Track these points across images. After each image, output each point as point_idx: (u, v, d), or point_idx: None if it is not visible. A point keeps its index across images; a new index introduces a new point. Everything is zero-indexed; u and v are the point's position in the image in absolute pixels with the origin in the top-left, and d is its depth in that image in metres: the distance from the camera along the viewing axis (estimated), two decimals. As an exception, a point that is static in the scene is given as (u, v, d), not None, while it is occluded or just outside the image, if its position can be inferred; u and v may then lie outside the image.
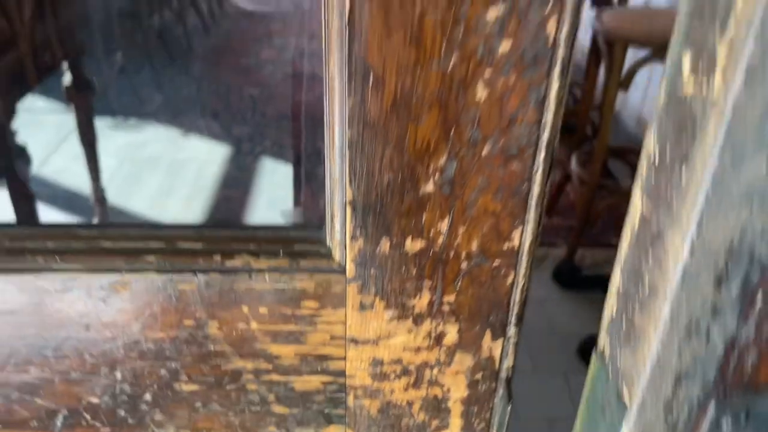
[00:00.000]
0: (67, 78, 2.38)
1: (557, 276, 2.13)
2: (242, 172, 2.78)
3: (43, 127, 2.97)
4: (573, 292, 2.08)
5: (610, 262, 1.78)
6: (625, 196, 2.17)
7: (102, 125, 3.02)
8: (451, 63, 0.35)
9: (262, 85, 3.29)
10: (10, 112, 1.95)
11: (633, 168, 2.37)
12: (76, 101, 2.51)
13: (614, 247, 1.58)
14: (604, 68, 1.95)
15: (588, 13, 2.63)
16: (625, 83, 1.90)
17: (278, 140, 2.84)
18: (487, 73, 0.35)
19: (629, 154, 2.41)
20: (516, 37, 0.34)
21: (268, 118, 2.91)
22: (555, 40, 0.35)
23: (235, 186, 2.69)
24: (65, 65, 2.41)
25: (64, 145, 2.99)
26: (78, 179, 2.58)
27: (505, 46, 0.35)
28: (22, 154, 2.02)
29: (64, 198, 2.57)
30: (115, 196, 2.54)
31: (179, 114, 3.18)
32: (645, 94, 2.64)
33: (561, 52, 0.35)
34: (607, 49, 1.90)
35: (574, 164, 2.20)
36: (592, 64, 2.15)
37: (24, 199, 2.00)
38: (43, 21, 2.39)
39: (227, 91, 3.26)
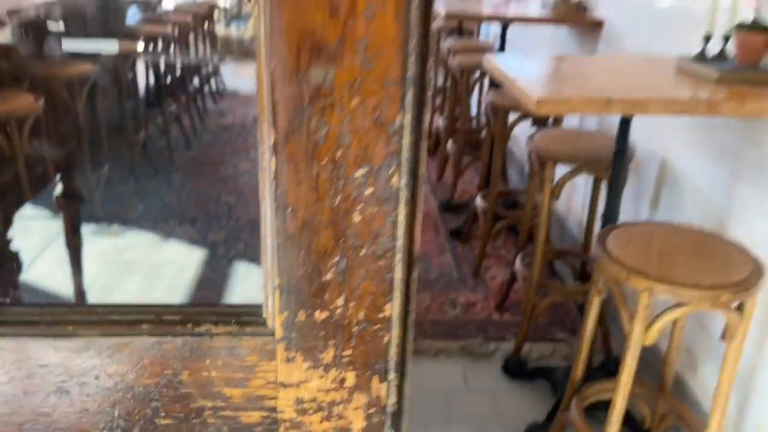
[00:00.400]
0: (58, 188, 2.61)
1: (506, 368, 2.31)
2: (217, 274, 2.97)
3: (31, 233, 3.15)
4: (520, 382, 2.25)
5: (555, 354, 2.07)
6: (566, 294, 2.39)
7: (86, 231, 3.20)
8: (337, 200, 0.58)
9: (238, 194, 3.55)
10: (8, 222, 2.15)
11: (574, 269, 2.61)
12: (65, 209, 2.72)
13: (558, 341, 1.88)
14: (538, 182, 2.23)
15: (530, 130, 2.96)
16: (556, 193, 2.18)
17: (250, 243, 3.05)
18: (359, 206, 0.58)
19: (570, 256, 2.66)
20: (375, 185, 0.58)
21: (242, 224, 3.14)
22: (398, 187, 0.58)
23: (210, 287, 2.86)
24: (57, 177, 2.65)
25: (49, 250, 3.16)
26: (61, 282, 2.74)
27: (368, 191, 0.58)
28: (14, 260, 2.20)
29: (46, 300, 2.71)
30: (95, 299, 2.69)
31: (159, 221, 3.40)
32: (584, 202, 2.92)
33: (403, 194, 0.58)
34: (539, 165, 2.19)
35: (518, 264, 2.44)
36: (531, 177, 2.44)
37: (13, 303, 2.16)
38: (39, 139, 2.65)
39: (205, 199, 3.51)
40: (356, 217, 0.59)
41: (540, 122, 2.82)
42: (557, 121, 2.78)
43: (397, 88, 0.55)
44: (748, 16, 1.72)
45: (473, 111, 4.19)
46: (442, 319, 2.60)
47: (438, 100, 4.40)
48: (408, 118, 0.56)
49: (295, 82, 0.54)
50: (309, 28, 0.52)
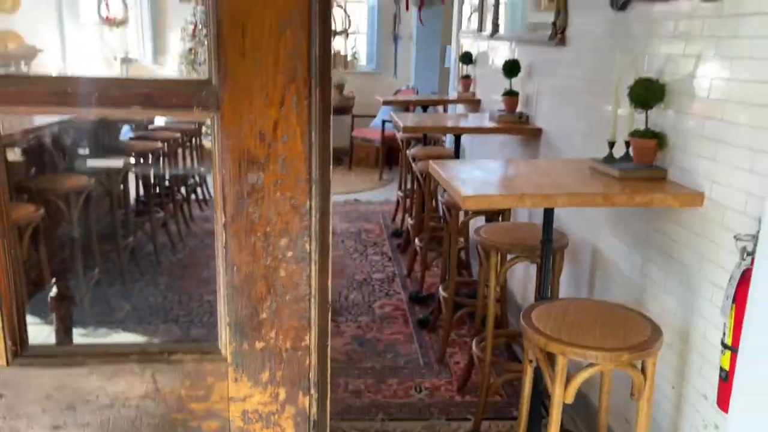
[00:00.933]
0: (53, 291, 2.84)
1: (465, 444, 2.48)
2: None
3: (22, 334, 3.33)
4: (478, 457, 2.42)
5: (511, 430, 2.36)
6: (518, 373, 2.60)
7: (75, 333, 3.38)
8: (268, 261, 0.85)
9: (220, 293, 3.78)
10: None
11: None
12: (57, 311, 2.94)
13: (514, 418, 2.17)
14: (484, 269, 2.51)
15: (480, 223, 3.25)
16: (499, 280, 2.44)
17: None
18: (284, 265, 0.85)
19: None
20: (293, 250, 0.85)
21: (222, 320, 3.35)
22: (310, 251, 0.85)
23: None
24: (53, 281, 2.89)
25: (39, 350, 3.32)
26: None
27: (289, 254, 0.85)
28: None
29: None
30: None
31: (144, 320, 3.60)
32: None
33: (314, 256, 0.86)
34: (484, 254, 2.48)
35: (474, 348, 2.66)
36: (480, 266, 2.71)
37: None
38: (36, 246, 2.91)
39: (188, 298, 3.74)
40: (282, 273, 0.86)
41: (491, 218, 3.14)
42: (506, 215, 3.10)
43: (306, 185, 0.84)
44: (641, 125, 2.07)
45: (441, 211, 4.52)
46: (407, 402, 2.78)
47: (408, 202, 4.75)
48: (315, 204, 0.85)
49: (237, 183, 0.82)
50: (246, 149, 0.82)
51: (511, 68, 3.35)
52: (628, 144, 2.13)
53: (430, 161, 2.30)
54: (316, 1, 0.80)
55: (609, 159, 2.15)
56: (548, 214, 2.14)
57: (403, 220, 4.99)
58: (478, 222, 3.34)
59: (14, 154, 2.76)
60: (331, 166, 0.85)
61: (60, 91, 0.78)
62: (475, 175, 2.17)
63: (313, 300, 0.87)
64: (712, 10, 1.78)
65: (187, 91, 0.81)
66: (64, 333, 3.04)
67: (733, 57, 1.71)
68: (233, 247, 0.84)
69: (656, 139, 2.03)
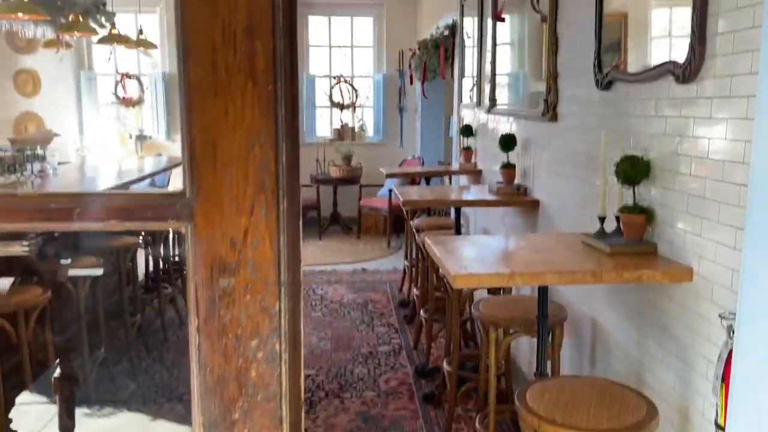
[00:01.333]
0: (56, 372, 2.87)
1: None
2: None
3: (27, 417, 3.33)
4: None
5: None
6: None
7: (79, 413, 3.38)
8: (240, 362, 0.88)
9: (225, 370, 3.77)
10: (9, 405, 2.38)
11: (534, 426, 2.78)
12: (60, 392, 2.95)
13: None
14: (484, 345, 2.51)
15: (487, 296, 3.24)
16: (500, 354, 2.44)
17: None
18: (254, 365, 0.88)
19: (530, 414, 2.84)
20: (264, 350, 0.88)
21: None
22: (280, 352, 0.89)
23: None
24: (56, 361, 2.92)
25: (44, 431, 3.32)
26: (51, 463, 2.88)
27: (260, 354, 0.88)
28: (13, 438, 2.40)
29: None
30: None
31: (149, 399, 3.59)
32: (542, 362, 3.15)
33: (284, 356, 0.89)
34: (484, 330, 2.48)
35: (478, 425, 2.63)
36: (482, 340, 2.71)
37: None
38: (42, 327, 2.95)
39: (193, 376, 3.72)
40: (253, 373, 0.89)
41: (492, 290, 3.14)
42: (506, 288, 3.11)
43: (275, 287, 0.88)
44: (630, 200, 2.11)
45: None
46: (412, 482, 2.73)
47: (414, 272, 4.76)
48: (284, 305, 0.88)
49: (210, 287, 0.87)
50: (218, 255, 0.86)
51: (507, 142, 3.43)
52: (618, 219, 2.16)
53: (425, 237, 2.34)
54: (283, 117, 0.87)
55: (600, 234, 2.18)
56: (542, 290, 2.16)
57: (409, 290, 4.99)
58: (483, 292, 3.35)
59: (21, 246, 2.83)
60: (302, 267, 0.90)
61: (44, 208, 0.84)
62: (468, 253, 2.20)
63: (284, 399, 0.90)
64: (688, 92, 1.84)
65: (163, 203, 0.86)
66: (66, 415, 3.04)
67: (709, 137, 1.76)
68: (206, 349, 0.87)
69: (644, 214, 2.06)
